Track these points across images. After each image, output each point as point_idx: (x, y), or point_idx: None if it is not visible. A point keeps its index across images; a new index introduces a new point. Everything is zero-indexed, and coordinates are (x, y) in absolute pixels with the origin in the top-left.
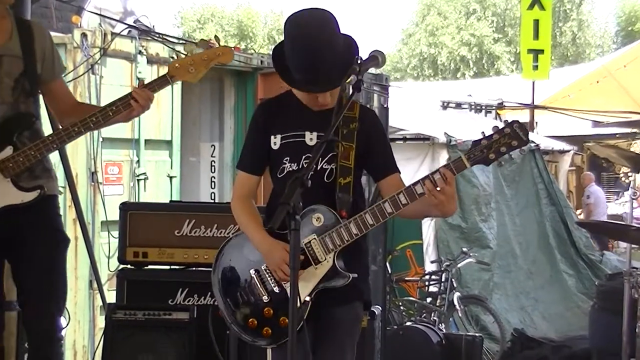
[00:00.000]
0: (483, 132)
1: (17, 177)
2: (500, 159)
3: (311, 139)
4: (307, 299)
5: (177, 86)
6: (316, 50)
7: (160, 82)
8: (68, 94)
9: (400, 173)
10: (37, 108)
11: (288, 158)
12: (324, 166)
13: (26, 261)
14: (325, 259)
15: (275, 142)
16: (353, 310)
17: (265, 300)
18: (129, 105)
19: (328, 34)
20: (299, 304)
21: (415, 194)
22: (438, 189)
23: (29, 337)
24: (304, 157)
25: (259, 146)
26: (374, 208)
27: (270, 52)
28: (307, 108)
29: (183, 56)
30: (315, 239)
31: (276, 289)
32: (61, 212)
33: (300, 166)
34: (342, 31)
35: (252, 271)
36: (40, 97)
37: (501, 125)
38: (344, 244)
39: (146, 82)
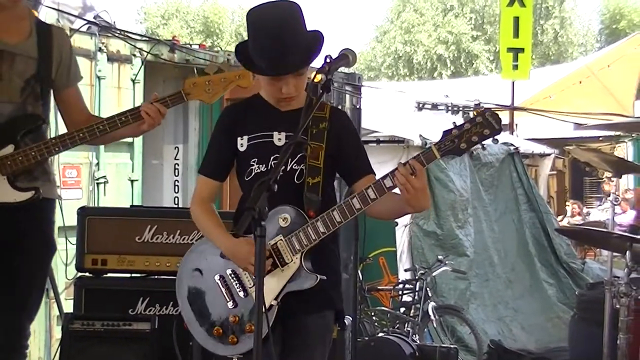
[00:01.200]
0: (454, 122)
1: (15, 177)
2: (473, 148)
3: (279, 139)
4: (274, 302)
5: (140, 85)
6: (279, 33)
7: (174, 98)
8: (81, 105)
9: (375, 174)
10: (46, 112)
11: (256, 159)
12: (293, 167)
13: (8, 263)
14: (292, 260)
15: (242, 143)
16: (323, 320)
17: (230, 307)
18: (139, 117)
19: (291, 18)
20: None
21: (384, 187)
22: (408, 181)
23: None
24: (272, 158)
25: (224, 150)
26: (341, 204)
27: None
28: (274, 109)
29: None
30: (281, 240)
31: (242, 294)
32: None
33: (269, 167)
34: (310, 27)
35: (217, 277)
36: (52, 103)
37: (473, 114)
38: (311, 244)
39: (108, 79)
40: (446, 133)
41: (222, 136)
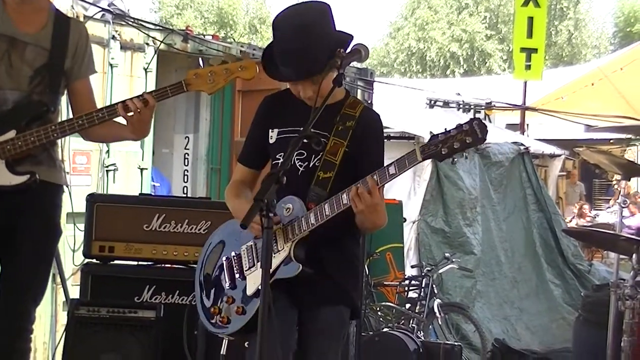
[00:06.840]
0: (445, 128)
1: (17, 161)
2: (455, 156)
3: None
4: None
5: (152, 74)
6: (290, 37)
7: (175, 88)
8: (91, 98)
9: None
10: (55, 100)
11: (282, 154)
12: (315, 164)
13: (12, 247)
14: (284, 248)
15: (272, 135)
16: (338, 313)
17: (227, 287)
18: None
19: (312, 24)
20: (250, 294)
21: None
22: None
23: None
24: (296, 153)
25: (258, 140)
26: (332, 198)
27: (251, 42)
28: (306, 105)
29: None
30: (280, 228)
31: (238, 277)
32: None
33: (292, 162)
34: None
35: (224, 258)
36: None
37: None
38: (301, 233)
39: (121, 67)
40: (433, 137)
41: (256, 126)
